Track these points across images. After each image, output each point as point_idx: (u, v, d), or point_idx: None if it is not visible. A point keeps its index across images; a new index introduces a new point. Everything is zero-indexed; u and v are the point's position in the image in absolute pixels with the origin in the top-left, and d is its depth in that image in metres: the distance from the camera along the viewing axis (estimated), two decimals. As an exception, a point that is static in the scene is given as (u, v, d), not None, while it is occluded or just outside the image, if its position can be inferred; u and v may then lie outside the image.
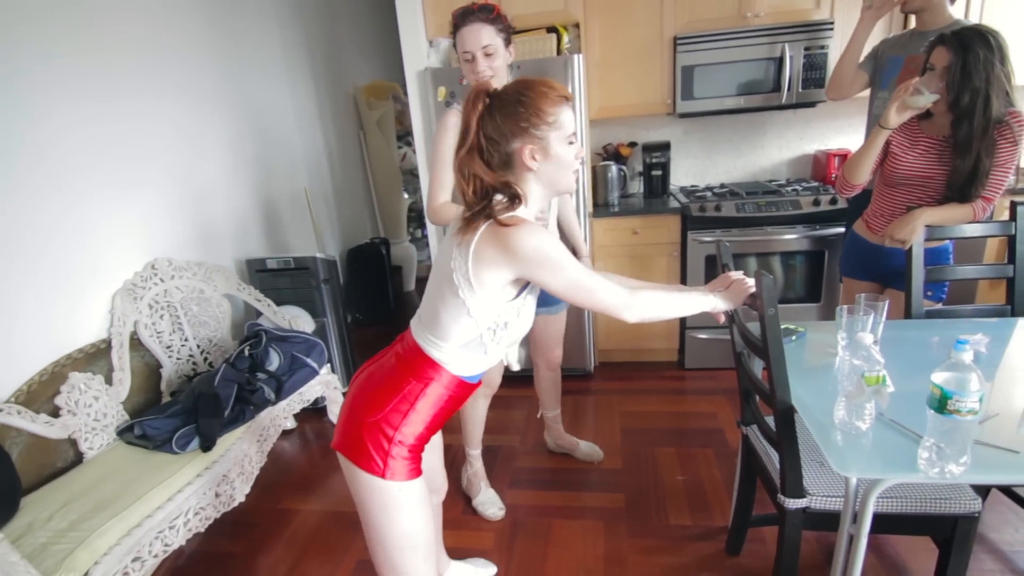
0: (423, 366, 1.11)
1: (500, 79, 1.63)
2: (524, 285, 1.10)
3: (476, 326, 1.07)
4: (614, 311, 1.10)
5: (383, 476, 1.06)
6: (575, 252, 1.42)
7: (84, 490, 1.67)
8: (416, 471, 1.11)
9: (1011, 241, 1.66)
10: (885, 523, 1.23)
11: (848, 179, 1.78)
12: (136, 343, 2.18)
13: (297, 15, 3.39)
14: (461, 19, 1.60)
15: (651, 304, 1.14)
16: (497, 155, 1.05)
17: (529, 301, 1.13)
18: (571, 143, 1.08)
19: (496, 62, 1.60)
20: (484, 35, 1.57)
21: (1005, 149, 1.58)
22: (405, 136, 4.47)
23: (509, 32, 1.65)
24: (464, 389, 1.16)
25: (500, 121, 1.03)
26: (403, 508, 1.10)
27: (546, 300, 1.98)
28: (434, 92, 2.64)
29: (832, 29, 2.60)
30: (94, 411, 1.91)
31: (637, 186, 3.30)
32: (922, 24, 2.02)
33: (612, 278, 1.26)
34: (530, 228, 1.01)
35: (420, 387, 1.10)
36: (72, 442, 1.86)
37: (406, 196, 4.56)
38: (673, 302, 1.17)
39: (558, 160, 1.07)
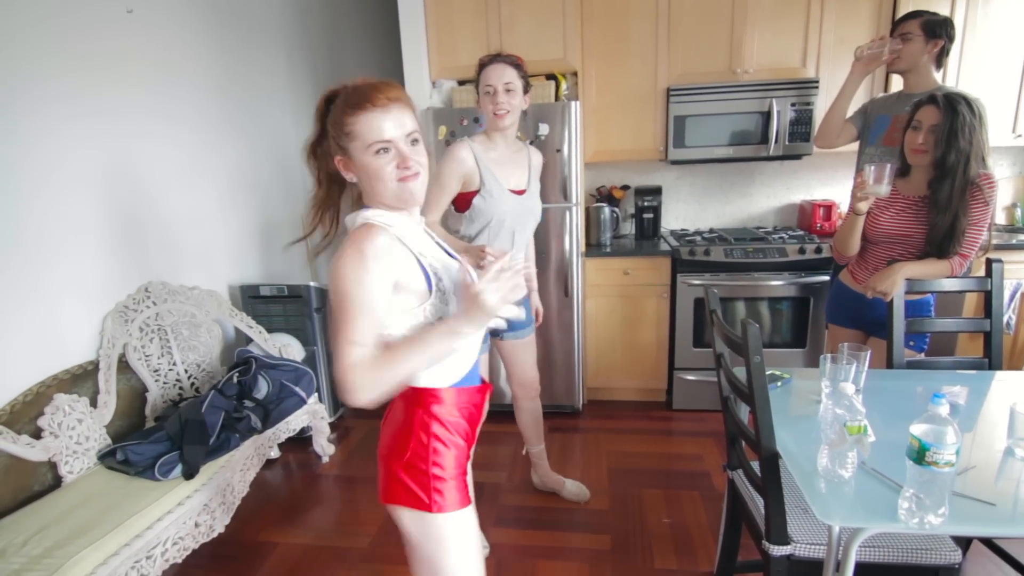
0: (415, 394, 1.08)
1: (514, 116, 1.79)
2: (426, 282, 1.02)
3: (394, 336, 1.01)
4: (340, 379, 0.92)
5: (429, 509, 1.04)
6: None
7: (61, 515, 1.64)
8: (464, 500, 1.09)
9: (987, 296, 1.72)
10: (867, 573, 1.24)
11: (841, 252, 1.90)
12: (123, 366, 2.16)
13: (304, 46, 3.49)
14: (489, 60, 1.78)
15: (378, 370, 0.93)
16: (331, 170, 1.05)
17: (446, 285, 1.04)
18: (380, 151, 0.97)
19: (514, 100, 1.76)
20: (507, 74, 1.75)
21: (977, 209, 1.67)
22: (403, 169, 4.56)
23: (527, 81, 1.81)
24: (467, 396, 1.11)
25: (328, 126, 1.03)
26: (453, 540, 1.07)
27: (512, 324, 1.95)
28: (435, 131, 2.72)
29: (818, 87, 2.73)
30: (77, 434, 1.88)
31: (629, 228, 3.38)
32: (908, 87, 2.13)
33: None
34: (363, 235, 0.96)
35: (424, 414, 1.07)
36: (51, 465, 1.83)
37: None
38: (404, 352, 0.96)
39: (364, 171, 0.99)
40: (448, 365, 1.07)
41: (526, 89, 1.81)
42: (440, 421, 1.07)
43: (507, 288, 0.97)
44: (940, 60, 2.06)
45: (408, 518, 1.07)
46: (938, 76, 2.11)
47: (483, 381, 1.20)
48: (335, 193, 1.10)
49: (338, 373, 0.92)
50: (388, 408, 1.14)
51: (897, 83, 2.44)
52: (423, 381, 1.06)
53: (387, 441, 1.11)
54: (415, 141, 1.01)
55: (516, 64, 1.77)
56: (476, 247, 1.36)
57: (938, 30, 2.00)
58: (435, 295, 1.02)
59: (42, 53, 1.90)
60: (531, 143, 2.37)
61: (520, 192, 1.88)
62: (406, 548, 1.11)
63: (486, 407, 1.18)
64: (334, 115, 1.00)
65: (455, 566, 1.08)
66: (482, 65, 1.79)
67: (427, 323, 1.02)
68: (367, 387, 0.92)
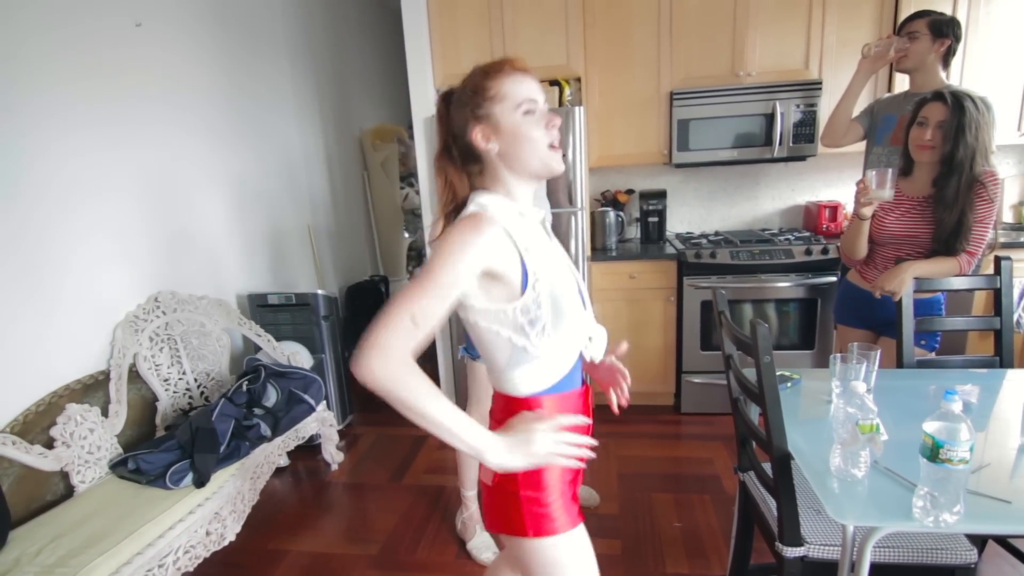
0: (510, 407, 1.01)
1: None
2: (522, 280, 0.93)
3: (499, 337, 0.96)
4: (371, 341, 0.80)
5: (527, 535, 0.98)
6: None
7: (74, 525, 1.64)
8: (571, 520, 1.01)
9: (997, 294, 1.71)
10: (881, 573, 1.23)
11: (849, 256, 1.91)
12: (134, 375, 2.18)
13: (309, 57, 3.52)
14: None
15: (405, 374, 0.81)
16: (460, 150, 1.00)
17: (544, 287, 0.95)
18: (528, 111, 0.95)
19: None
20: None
21: (982, 207, 1.66)
22: (408, 177, 4.58)
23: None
24: (565, 403, 1.02)
25: (454, 113, 0.99)
26: (561, 564, 1.00)
27: None
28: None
29: (821, 88, 2.73)
30: (88, 443, 1.89)
31: (634, 231, 3.38)
32: (915, 86, 2.12)
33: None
34: (469, 222, 0.90)
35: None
36: (64, 475, 1.84)
37: (407, 235, 4.63)
38: (431, 399, 0.83)
39: (513, 134, 0.95)
40: (540, 373, 0.99)
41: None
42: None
43: (562, 449, 0.91)
44: (947, 59, 2.06)
45: (514, 545, 1.01)
46: (944, 75, 2.11)
47: (584, 383, 1.11)
48: (460, 187, 1.02)
49: (375, 331, 0.80)
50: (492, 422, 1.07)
51: (902, 83, 2.45)
52: (518, 388, 0.99)
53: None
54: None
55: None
56: (618, 367, 1.21)
57: (945, 29, 1.99)
58: (528, 296, 0.94)
59: (50, 64, 1.93)
60: None
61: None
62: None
63: (591, 409, 1.12)
64: (471, 86, 0.96)
65: None
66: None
67: (510, 323, 0.94)
68: (381, 370, 0.79)
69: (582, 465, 1.00)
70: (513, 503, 0.98)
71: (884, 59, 2.11)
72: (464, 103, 0.97)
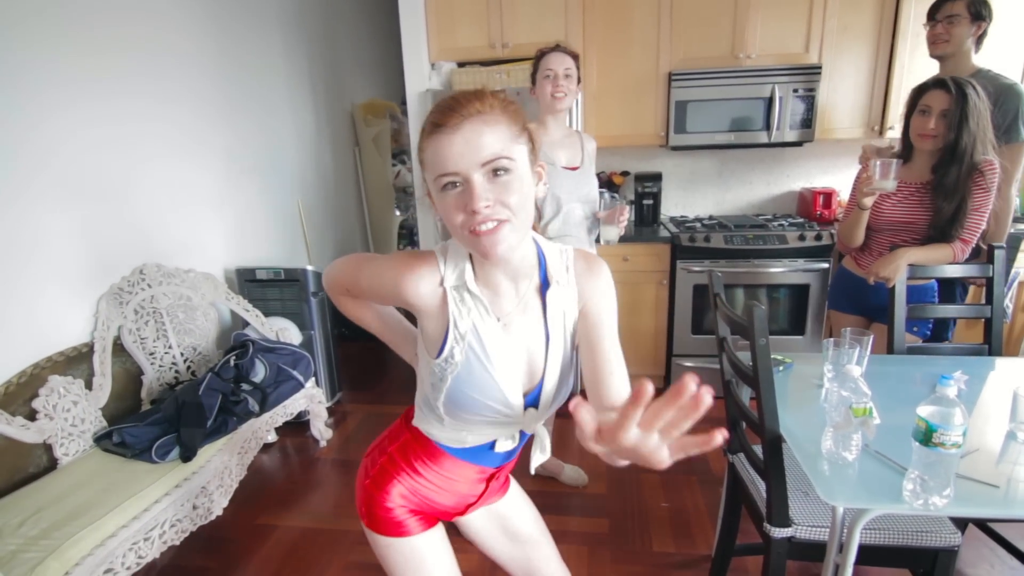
0: (409, 416, 1.06)
1: (569, 101, 1.92)
2: (440, 346, 0.88)
3: (424, 367, 0.96)
4: (332, 269, 1.01)
5: (363, 522, 1.02)
6: None
7: (57, 497, 1.62)
8: (401, 530, 1.00)
9: (988, 283, 1.72)
10: (868, 555, 1.25)
11: (846, 243, 1.91)
12: (119, 348, 2.14)
13: (300, 29, 3.43)
14: (550, 50, 1.92)
15: (350, 303, 1.05)
16: None
17: (449, 375, 0.88)
18: (446, 186, 0.77)
19: (571, 84, 1.90)
20: (567, 61, 1.90)
21: (979, 195, 1.66)
22: (400, 154, 4.51)
23: (580, 73, 1.94)
24: (455, 467, 1.01)
25: None
26: (391, 562, 1.02)
27: None
28: (434, 113, 2.68)
29: (820, 73, 2.71)
30: (72, 416, 1.86)
31: (629, 214, 3.35)
32: (945, 72, 1.99)
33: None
34: (417, 257, 0.89)
35: (397, 436, 1.05)
36: (47, 447, 1.81)
37: (398, 213, 4.58)
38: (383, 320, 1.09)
39: (438, 205, 0.80)
40: (446, 430, 0.98)
41: (579, 80, 1.93)
42: (404, 451, 1.02)
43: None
44: (980, 43, 1.97)
45: (369, 536, 1.04)
46: (976, 60, 2.00)
47: (501, 465, 1.09)
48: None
49: (330, 267, 1.01)
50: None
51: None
52: (420, 421, 1.02)
53: (368, 451, 1.10)
54: (500, 172, 0.76)
55: (574, 55, 1.92)
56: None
57: (983, 11, 1.91)
58: (439, 363, 0.89)
59: (39, 38, 1.86)
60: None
61: (574, 168, 2.00)
62: None
63: (487, 496, 1.10)
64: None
65: None
66: (543, 53, 1.92)
67: (427, 365, 0.93)
68: (331, 296, 1.03)
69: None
70: (362, 487, 1.04)
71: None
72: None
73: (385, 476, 1.01)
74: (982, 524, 1.79)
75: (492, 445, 1.02)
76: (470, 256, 0.87)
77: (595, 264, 0.94)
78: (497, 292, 0.88)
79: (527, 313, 0.91)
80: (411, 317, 1.01)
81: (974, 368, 1.55)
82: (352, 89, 4.15)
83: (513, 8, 2.75)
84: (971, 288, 2.15)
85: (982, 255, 1.78)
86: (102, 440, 1.89)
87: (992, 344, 1.72)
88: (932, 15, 2.00)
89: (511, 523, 1.18)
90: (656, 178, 3.16)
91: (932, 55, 2.04)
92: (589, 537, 1.98)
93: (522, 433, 1.04)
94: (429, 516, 1.05)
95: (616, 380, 0.89)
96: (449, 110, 0.76)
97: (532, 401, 0.94)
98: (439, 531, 1.07)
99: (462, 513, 1.09)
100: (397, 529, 1.00)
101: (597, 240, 2.15)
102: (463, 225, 0.77)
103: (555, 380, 0.95)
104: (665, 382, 3.04)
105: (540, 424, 1.00)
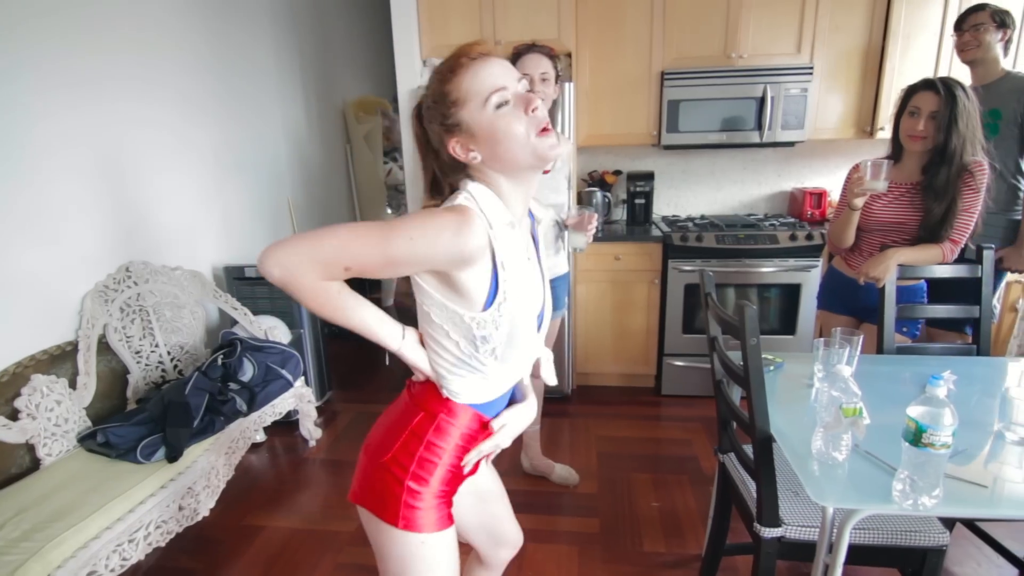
0: (431, 398, 0.97)
1: (547, 106, 1.83)
2: (489, 297, 0.88)
3: (448, 338, 0.91)
4: (281, 247, 0.81)
5: (396, 526, 0.92)
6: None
7: (40, 498, 1.59)
8: (442, 521, 0.96)
9: (977, 284, 1.73)
10: (857, 554, 1.25)
11: (837, 244, 1.90)
12: (104, 347, 2.10)
13: (291, 25, 3.40)
14: (525, 50, 1.82)
15: (310, 287, 0.82)
16: (445, 166, 0.91)
17: (507, 311, 0.89)
18: (499, 104, 0.83)
19: (548, 89, 1.82)
20: (543, 64, 1.81)
21: (969, 196, 1.67)
22: (391, 152, 4.48)
23: (558, 71, 1.86)
24: (473, 423, 0.98)
25: (428, 129, 0.91)
26: (423, 562, 0.95)
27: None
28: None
29: (811, 73, 2.72)
30: (55, 416, 1.83)
31: (620, 213, 3.36)
32: (978, 78, 2.09)
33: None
34: (455, 217, 0.82)
35: (429, 422, 0.95)
36: (29, 447, 1.78)
37: (389, 211, 4.55)
38: (350, 308, 0.87)
39: (491, 136, 0.84)
40: (477, 386, 0.95)
41: (557, 78, 1.85)
42: (440, 433, 0.95)
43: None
44: (1007, 48, 2.06)
45: (373, 526, 0.96)
46: (1007, 63, 2.09)
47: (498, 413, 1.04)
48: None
49: (287, 240, 0.80)
50: (394, 400, 1.05)
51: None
52: (455, 393, 0.95)
53: (375, 436, 1.00)
54: (530, 84, 0.89)
55: (551, 55, 1.83)
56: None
57: (1007, 19, 2.01)
58: (490, 314, 0.88)
59: (23, 35, 1.82)
60: None
61: (544, 172, 1.91)
62: (376, 557, 1.00)
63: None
64: (432, 95, 0.87)
65: None
66: (517, 54, 1.82)
67: (464, 330, 0.89)
68: (282, 277, 0.79)
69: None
70: (393, 488, 0.93)
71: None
72: (432, 117, 0.88)
73: (427, 466, 0.94)
74: (970, 523, 1.81)
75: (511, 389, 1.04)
76: (492, 192, 0.91)
77: None
78: (515, 215, 0.94)
79: (523, 230, 0.99)
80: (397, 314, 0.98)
81: (963, 368, 1.56)
82: (343, 86, 4.12)
83: (505, 5, 2.73)
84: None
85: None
86: (86, 440, 1.86)
87: (980, 344, 1.73)
88: (959, 26, 2.10)
89: (477, 479, 1.14)
90: (648, 177, 3.16)
91: (964, 61, 2.13)
92: (579, 537, 1.98)
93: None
94: (450, 499, 1.01)
95: None
96: (470, 48, 0.85)
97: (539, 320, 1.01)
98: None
99: (472, 473, 1.05)
100: (442, 519, 0.97)
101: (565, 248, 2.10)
102: (528, 129, 0.84)
103: (548, 293, 1.04)
104: (656, 381, 3.04)
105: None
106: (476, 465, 1.04)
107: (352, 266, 0.81)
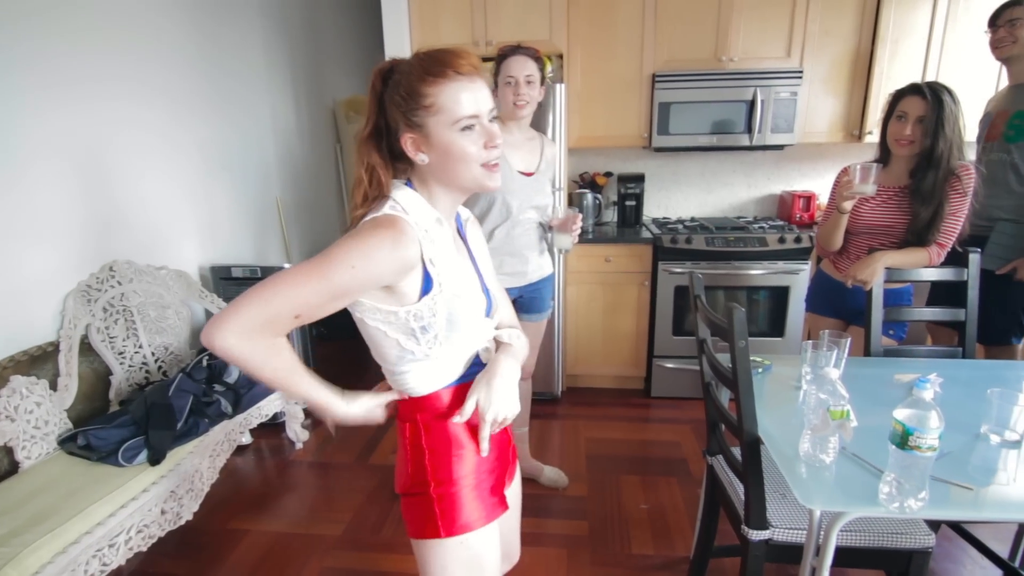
0: (406, 409, 0.98)
1: (532, 107, 1.84)
2: (422, 290, 0.89)
3: (387, 338, 0.91)
4: (225, 316, 0.78)
5: (440, 536, 0.93)
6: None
7: (18, 502, 1.56)
8: (492, 510, 0.97)
9: (963, 287, 1.74)
10: (844, 556, 1.25)
11: (825, 247, 1.90)
12: (86, 348, 2.07)
13: (281, 23, 3.37)
14: (510, 51, 1.82)
15: (264, 351, 0.82)
16: (389, 145, 0.91)
17: (442, 299, 0.90)
18: (466, 127, 0.86)
19: (533, 91, 1.81)
20: (528, 66, 1.80)
21: (956, 200, 1.68)
22: (382, 152, 4.46)
23: (544, 73, 1.86)
24: (462, 393, 0.98)
25: (388, 104, 0.89)
26: (464, 565, 0.95)
27: (529, 307, 2.02)
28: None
29: (801, 77, 2.73)
30: (35, 418, 1.79)
31: (611, 215, 3.36)
32: (1014, 77, 1.99)
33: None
34: (385, 230, 0.83)
35: (417, 429, 0.97)
36: (7, 450, 1.74)
37: (380, 212, 4.54)
38: (285, 371, 0.87)
39: (445, 151, 0.87)
40: (435, 372, 0.95)
41: (542, 80, 1.84)
42: (431, 431, 0.96)
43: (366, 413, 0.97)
44: None
45: (422, 550, 0.97)
46: None
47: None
48: (385, 179, 0.92)
49: (232, 309, 0.77)
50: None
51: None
52: (412, 388, 0.96)
53: (397, 473, 1.02)
54: (495, 119, 0.90)
55: (536, 57, 1.82)
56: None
57: None
58: (424, 304, 0.89)
59: (7, 35, 1.79)
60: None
61: (528, 174, 1.90)
62: None
63: None
64: (405, 86, 0.86)
65: None
66: (503, 56, 1.82)
67: (400, 326, 0.90)
68: (238, 346, 0.78)
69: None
70: (425, 504, 0.94)
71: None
72: (398, 103, 0.87)
73: (441, 466, 0.95)
74: (955, 525, 1.81)
75: (478, 359, 1.01)
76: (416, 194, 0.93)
77: None
78: (443, 212, 0.96)
79: (451, 227, 1.00)
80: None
81: (950, 371, 1.56)
82: (334, 85, 4.09)
83: (497, 5, 2.73)
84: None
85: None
86: (67, 443, 1.83)
87: (966, 347, 1.74)
88: (993, 21, 1.99)
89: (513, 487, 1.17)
90: (639, 179, 3.16)
91: (998, 58, 2.02)
92: (568, 539, 1.97)
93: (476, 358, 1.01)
94: (495, 486, 1.00)
95: None
96: (460, 59, 0.85)
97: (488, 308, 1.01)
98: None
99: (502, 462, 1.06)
100: (488, 511, 0.97)
101: (550, 249, 2.08)
102: (479, 159, 0.88)
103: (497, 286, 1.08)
104: (646, 383, 3.04)
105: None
106: (503, 450, 1.05)
107: (302, 312, 0.82)
